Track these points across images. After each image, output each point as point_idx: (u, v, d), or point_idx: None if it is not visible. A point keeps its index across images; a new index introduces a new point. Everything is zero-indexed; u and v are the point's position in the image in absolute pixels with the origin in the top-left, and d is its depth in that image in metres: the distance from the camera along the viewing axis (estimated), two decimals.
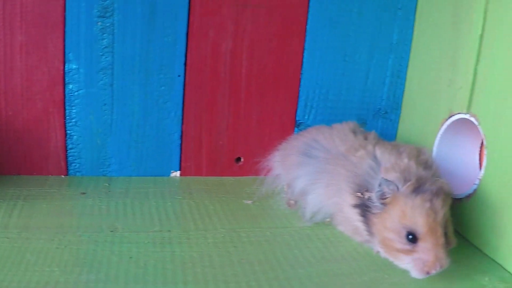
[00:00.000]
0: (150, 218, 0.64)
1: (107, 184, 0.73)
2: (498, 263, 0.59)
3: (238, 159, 0.77)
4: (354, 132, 0.66)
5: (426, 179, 0.56)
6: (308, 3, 0.73)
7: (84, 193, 0.69)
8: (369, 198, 0.56)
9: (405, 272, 0.54)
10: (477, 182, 0.62)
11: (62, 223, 0.62)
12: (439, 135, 0.70)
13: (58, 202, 0.67)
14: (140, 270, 0.52)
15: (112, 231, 0.60)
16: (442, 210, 0.54)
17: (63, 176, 0.75)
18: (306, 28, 0.73)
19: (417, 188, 0.54)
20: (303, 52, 0.75)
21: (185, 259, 0.55)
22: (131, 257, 0.55)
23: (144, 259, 0.54)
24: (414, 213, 0.53)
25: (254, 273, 0.53)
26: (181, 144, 0.75)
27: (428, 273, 0.52)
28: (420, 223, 0.52)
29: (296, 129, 0.79)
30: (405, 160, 0.58)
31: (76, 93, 0.72)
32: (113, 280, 0.50)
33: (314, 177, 0.64)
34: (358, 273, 0.55)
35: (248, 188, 0.73)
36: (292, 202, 0.69)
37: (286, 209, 0.69)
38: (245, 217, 0.66)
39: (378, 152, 0.60)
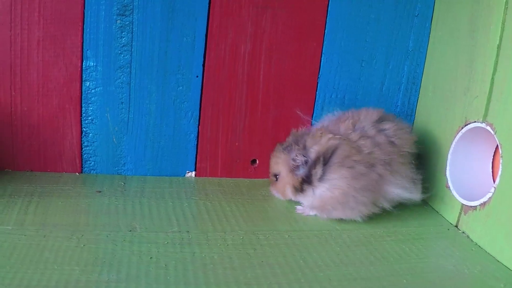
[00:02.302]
0: (167, 219, 0.64)
1: (122, 183, 0.72)
2: None
3: (254, 161, 0.78)
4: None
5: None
6: (327, 8, 0.73)
7: (99, 192, 0.69)
8: None
9: (423, 276, 0.55)
10: (492, 190, 0.63)
11: (78, 221, 0.62)
12: (453, 143, 0.70)
13: (73, 200, 0.67)
14: (161, 271, 0.52)
15: (130, 231, 0.60)
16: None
17: (77, 174, 0.74)
18: (324, 32, 0.73)
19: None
20: (320, 56, 0.75)
21: (206, 260, 0.55)
22: (151, 258, 0.55)
23: (164, 259, 0.55)
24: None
25: (275, 276, 0.54)
26: (197, 145, 0.75)
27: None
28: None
29: None
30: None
31: (93, 91, 0.72)
32: (134, 280, 0.51)
33: None
34: (377, 277, 0.55)
35: (263, 190, 0.74)
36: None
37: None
38: (262, 219, 0.67)
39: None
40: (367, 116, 0.68)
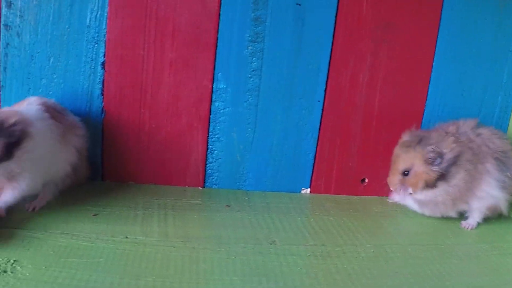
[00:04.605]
0: (300, 232, 0.69)
1: (247, 198, 0.77)
2: None
3: (363, 180, 0.83)
4: None
5: None
6: (436, 42, 0.79)
7: (229, 206, 0.74)
8: None
9: None
10: None
11: (219, 234, 0.66)
12: None
13: (207, 213, 0.72)
14: (313, 281, 0.57)
15: (271, 244, 0.64)
16: None
17: (200, 188, 0.79)
18: (432, 63, 0.79)
19: None
20: (428, 86, 0.81)
21: (349, 271, 0.60)
22: (300, 268, 0.59)
23: (312, 270, 0.59)
24: None
25: (410, 285, 0.58)
26: (313, 164, 0.80)
27: None
28: None
29: None
30: None
31: (221, 111, 0.77)
32: None
33: None
34: (493, 286, 0.60)
35: (375, 207, 0.79)
36: None
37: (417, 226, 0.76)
38: (383, 234, 0.71)
39: None
40: (466, 123, 0.77)
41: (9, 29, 0.76)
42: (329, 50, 0.76)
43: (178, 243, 0.62)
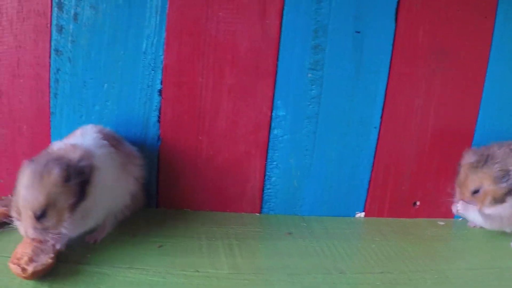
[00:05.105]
0: (364, 260, 0.70)
1: (305, 224, 0.78)
2: None
3: (414, 203, 0.84)
4: None
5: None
6: (487, 65, 0.79)
7: (290, 233, 0.74)
8: None
9: None
10: None
11: (288, 264, 0.66)
12: None
13: (270, 242, 0.72)
14: None
15: (340, 273, 0.65)
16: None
17: (257, 214, 0.80)
18: (483, 87, 0.80)
19: None
20: (479, 109, 0.81)
21: None
22: None
23: None
24: None
25: None
26: (368, 188, 0.81)
27: None
28: None
29: None
30: None
31: (280, 138, 0.77)
32: None
33: None
34: None
35: (427, 230, 0.80)
36: None
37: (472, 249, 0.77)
38: (441, 258, 0.72)
39: None
40: None
41: (60, 54, 0.74)
42: (386, 76, 0.76)
43: (249, 276, 0.62)
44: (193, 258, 0.66)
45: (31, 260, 0.58)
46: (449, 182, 0.80)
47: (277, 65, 0.74)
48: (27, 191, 0.59)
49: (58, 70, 0.74)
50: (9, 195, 0.75)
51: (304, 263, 0.67)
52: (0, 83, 0.76)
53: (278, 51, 0.74)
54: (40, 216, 0.58)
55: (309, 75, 0.75)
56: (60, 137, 0.73)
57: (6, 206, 0.75)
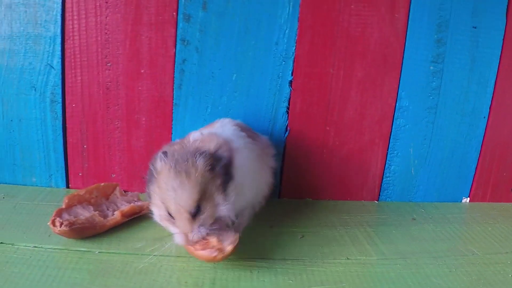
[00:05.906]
0: (489, 241, 0.73)
1: (423, 210, 0.81)
2: None
3: None
4: None
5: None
6: None
7: (414, 219, 0.77)
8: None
9: None
10: None
11: (427, 248, 0.69)
12: None
13: (401, 228, 0.75)
14: None
15: (473, 254, 0.69)
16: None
17: (375, 202, 0.82)
18: None
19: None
20: None
21: None
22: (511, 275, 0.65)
23: None
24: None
25: None
26: (474, 175, 0.85)
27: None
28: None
29: None
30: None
31: (402, 128, 0.79)
32: None
33: None
34: None
35: None
36: None
37: None
38: None
39: None
40: None
41: (187, 44, 0.72)
42: (496, 69, 0.80)
43: (399, 261, 0.65)
44: (338, 246, 0.68)
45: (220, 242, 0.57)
46: None
47: (403, 58, 0.76)
48: (178, 193, 0.55)
49: (184, 60, 0.73)
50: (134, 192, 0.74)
51: (439, 246, 0.70)
52: (118, 74, 0.73)
53: (404, 44, 0.76)
54: (196, 213, 0.57)
55: (431, 67, 0.78)
56: (183, 129, 0.73)
57: (129, 202, 0.73)
